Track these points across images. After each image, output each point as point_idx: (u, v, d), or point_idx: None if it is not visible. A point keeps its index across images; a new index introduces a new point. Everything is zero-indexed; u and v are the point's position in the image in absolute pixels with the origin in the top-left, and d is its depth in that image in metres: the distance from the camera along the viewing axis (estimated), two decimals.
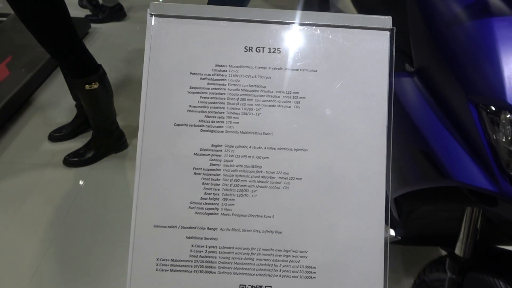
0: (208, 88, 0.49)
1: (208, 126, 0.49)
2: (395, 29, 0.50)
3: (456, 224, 0.87)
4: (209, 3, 1.40)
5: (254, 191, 0.49)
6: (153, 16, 0.50)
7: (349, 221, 0.49)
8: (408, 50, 0.84)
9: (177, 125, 0.49)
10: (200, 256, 0.48)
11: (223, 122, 0.49)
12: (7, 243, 1.52)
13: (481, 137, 0.65)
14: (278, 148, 0.49)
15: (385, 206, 0.49)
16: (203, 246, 0.48)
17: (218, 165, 0.49)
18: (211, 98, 0.49)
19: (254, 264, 0.48)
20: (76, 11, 2.91)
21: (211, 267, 0.48)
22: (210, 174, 0.49)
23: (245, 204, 0.48)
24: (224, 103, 0.49)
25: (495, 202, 0.70)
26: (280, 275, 0.48)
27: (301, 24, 0.50)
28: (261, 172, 0.49)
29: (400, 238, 1.00)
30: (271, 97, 0.49)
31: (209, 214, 0.48)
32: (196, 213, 0.48)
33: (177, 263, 0.48)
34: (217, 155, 0.49)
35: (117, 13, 3.05)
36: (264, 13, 0.50)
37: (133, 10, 3.25)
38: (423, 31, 0.77)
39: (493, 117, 0.63)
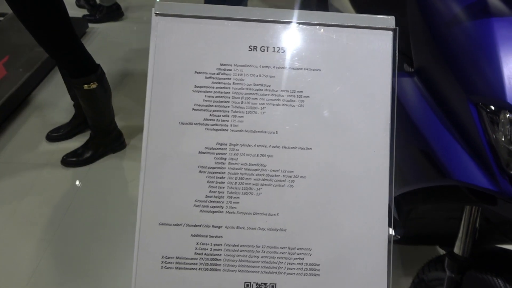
0: (213, 87, 0.50)
1: (213, 125, 0.49)
2: (398, 29, 0.51)
3: (455, 224, 0.88)
4: (206, 2, 1.40)
5: (259, 189, 0.49)
6: (158, 15, 0.50)
7: (353, 219, 0.49)
8: (407, 51, 0.85)
9: (182, 123, 0.49)
10: (205, 254, 0.48)
11: (227, 121, 0.49)
12: (5, 243, 1.52)
13: (480, 136, 0.65)
14: (282, 147, 0.49)
15: (388, 204, 0.49)
16: (208, 244, 0.49)
17: (223, 163, 0.49)
18: (216, 97, 0.50)
19: (258, 261, 0.49)
20: (73, 11, 2.90)
21: (216, 264, 0.48)
22: (215, 172, 0.49)
23: (249, 202, 0.49)
24: (228, 102, 0.50)
25: (495, 201, 0.71)
26: (284, 273, 0.49)
27: (305, 23, 0.51)
28: (266, 170, 0.49)
29: (399, 237, 1.00)
30: (276, 96, 0.50)
31: (214, 212, 0.49)
32: (201, 211, 0.49)
33: (182, 260, 0.48)
34: (222, 154, 0.49)
35: (114, 13, 3.04)
36: (269, 12, 0.50)
37: (130, 10, 3.24)
38: (423, 31, 0.78)
39: (492, 116, 0.64)
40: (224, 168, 0.49)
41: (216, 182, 0.49)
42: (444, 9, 0.74)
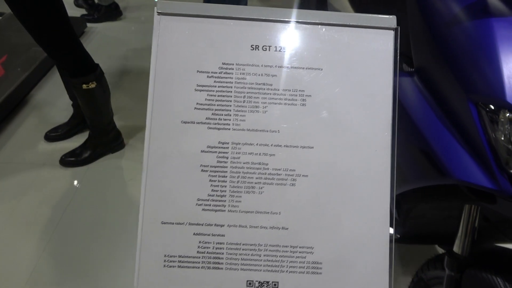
0: (215, 86, 0.50)
1: (215, 124, 0.50)
2: (399, 28, 0.51)
3: (454, 223, 0.89)
4: (205, 1, 1.40)
5: (261, 188, 0.49)
6: (160, 14, 0.51)
7: (355, 217, 0.49)
8: (406, 50, 0.85)
9: (184, 122, 0.50)
10: (207, 252, 0.49)
11: (230, 120, 0.50)
12: (4, 242, 1.52)
13: (480, 135, 0.66)
14: (284, 146, 0.50)
15: (390, 203, 0.50)
16: (211, 243, 0.49)
17: (225, 162, 0.49)
18: (218, 96, 0.50)
19: (261, 260, 0.49)
20: (71, 10, 2.89)
21: (219, 263, 0.49)
22: (217, 171, 0.49)
23: (252, 200, 0.49)
24: (230, 101, 0.50)
25: (494, 200, 0.71)
26: (287, 271, 0.49)
27: (307, 23, 0.51)
28: (268, 169, 0.49)
29: (399, 236, 1.01)
30: (277, 95, 0.50)
31: (216, 210, 0.49)
32: (203, 209, 0.49)
33: (184, 259, 0.48)
34: (224, 152, 0.49)
35: (112, 12, 3.04)
36: (271, 12, 0.51)
37: (128, 10, 3.24)
38: (423, 31, 0.78)
39: (492, 115, 0.64)
40: (226, 167, 0.49)
41: (218, 181, 0.49)
42: (444, 9, 0.74)
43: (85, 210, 1.65)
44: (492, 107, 0.64)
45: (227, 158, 0.49)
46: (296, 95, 0.50)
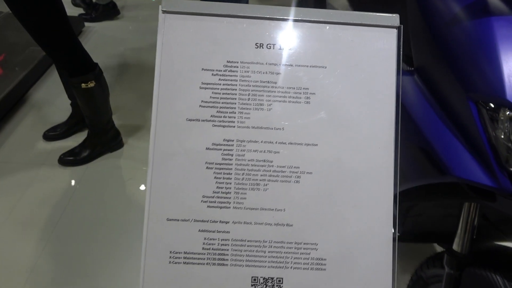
0: (220, 84, 0.50)
1: (220, 121, 0.50)
2: (402, 27, 0.51)
3: (453, 222, 0.89)
4: None
5: (266, 185, 0.49)
6: (165, 12, 0.51)
7: (358, 214, 0.50)
8: (405, 49, 0.86)
9: (189, 120, 0.50)
10: (212, 249, 0.49)
11: (234, 117, 0.50)
12: (3, 242, 1.51)
13: (480, 133, 0.66)
14: (288, 143, 0.50)
15: (393, 200, 0.50)
16: (216, 239, 0.49)
17: (230, 159, 0.50)
18: (223, 93, 0.50)
19: (265, 256, 0.49)
20: (69, 9, 2.89)
21: (224, 259, 0.49)
22: (222, 169, 0.50)
23: (256, 197, 0.49)
24: (235, 99, 0.50)
25: (494, 198, 0.72)
26: (291, 267, 0.49)
27: (311, 21, 0.51)
28: (272, 166, 0.50)
29: (398, 234, 1.01)
30: (282, 93, 0.50)
31: (221, 207, 0.49)
32: (208, 206, 0.49)
33: (190, 255, 0.49)
34: (229, 150, 0.50)
35: (110, 11, 3.04)
36: (275, 10, 0.51)
37: (126, 9, 3.23)
38: (423, 30, 0.79)
39: (492, 114, 0.65)
40: (231, 164, 0.50)
41: (223, 178, 0.49)
42: (444, 8, 0.75)
43: (84, 210, 1.65)
44: (492, 105, 0.64)
45: (232, 155, 0.50)
46: (300, 93, 0.50)
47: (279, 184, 0.50)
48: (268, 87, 0.50)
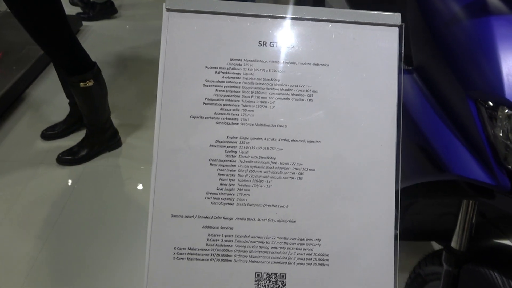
0: (223, 81, 0.51)
1: (223, 119, 0.50)
2: (404, 25, 0.52)
3: (451, 220, 0.90)
4: None
5: (269, 182, 0.50)
6: (169, 10, 0.51)
7: (361, 210, 0.50)
8: (405, 48, 0.86)
9: (193, 117, 0.50)
10: (216, 245, 0.49)
11: (238, 115, 0.50)
12: (1, 242, 1.51)
13: (479, 132, 0.67)
14: (292, 140, 0.50)
15: (395, 196, 0.51)
16: (219, 235, 0.49)
17: (234, 156, 0.50)
18: (226, 91, 0.51)
19: (269, 252, 0.50)
20: (67, 8, 2.88)
21: (227, 255, 0.49)
22: (226, 165, 0.50)
23: (260, 194, 0.50)
24: (239, 96, 0.51)
25: (493, 195, 0.73)
26: (294, 263, 0.50)
27: (313, 19, 0.52)
28: (276, 163, 0.50)
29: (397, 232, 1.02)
30: (285, 90, 0.51)
31: (225, 204, 0.50)
32: (212, 203, 0.50)
33: (194, 251, 0.49)
34: (232, 147, 0.50)
35: (108, 10, 3.03)
36: (278, 8, 0.51)
37: (123, 8, 3.23)
38: (423, 29, 0.80)
39: (491, 112, 0.65)
40: (235, 161, 0.50)
41: (227, 175, 0.50)
42: (444, 8, 0.76)
43: (82, 209, 1.65)
44: (491, 103, 0.65)
45: (235, 152, 0.50)
46: (303, 91, 0.51)
47: (282, 181, 0.50)
48: (271, 84, 0.51)
